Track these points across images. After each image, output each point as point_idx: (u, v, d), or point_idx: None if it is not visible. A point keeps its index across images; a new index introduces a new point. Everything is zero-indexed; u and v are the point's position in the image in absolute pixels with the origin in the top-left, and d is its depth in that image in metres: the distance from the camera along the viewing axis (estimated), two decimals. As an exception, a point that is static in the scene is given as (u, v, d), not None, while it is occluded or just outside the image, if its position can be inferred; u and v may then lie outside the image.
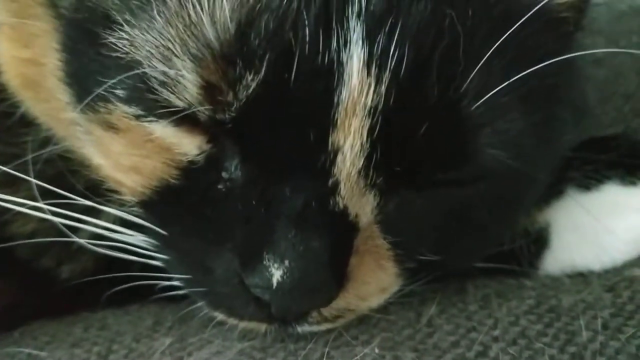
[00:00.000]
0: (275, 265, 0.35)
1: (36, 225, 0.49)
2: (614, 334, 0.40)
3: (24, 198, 0.47)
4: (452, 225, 0.40)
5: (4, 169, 0.46)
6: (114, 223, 0.45)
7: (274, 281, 0.35)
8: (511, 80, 0.36)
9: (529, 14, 0.36)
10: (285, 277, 0.35)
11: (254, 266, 0.36)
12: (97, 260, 0.49)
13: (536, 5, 0.38)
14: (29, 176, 0.46)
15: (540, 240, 0.47)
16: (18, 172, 0.46)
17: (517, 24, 0.36)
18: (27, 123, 0.48)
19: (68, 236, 0.46)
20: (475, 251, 0.43)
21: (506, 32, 0.36)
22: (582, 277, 0.47)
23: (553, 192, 0.48)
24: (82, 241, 0.46)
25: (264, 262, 0.35)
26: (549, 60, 0.37)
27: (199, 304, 0.43)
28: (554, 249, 0.47)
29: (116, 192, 0.43)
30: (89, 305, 0.51)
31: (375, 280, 0.39)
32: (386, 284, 0.41)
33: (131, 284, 0.46)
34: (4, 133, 0.49)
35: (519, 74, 0.36)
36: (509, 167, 0.38)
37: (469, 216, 0.40)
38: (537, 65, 0.37)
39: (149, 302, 0.49)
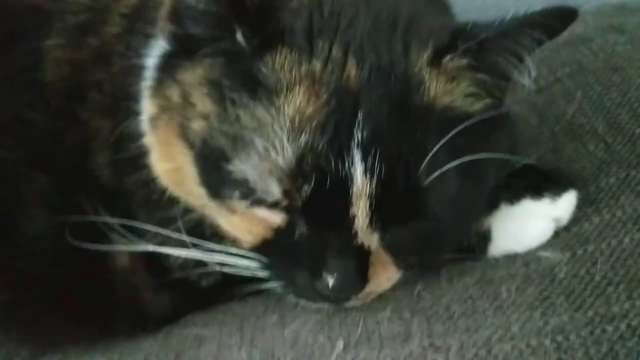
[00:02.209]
0: (329, 277, 0.57)
1: (185, 260, 0.68)
2: (521, 293, 0.59)
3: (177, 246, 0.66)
4: (425, 242, 0.61)
5: (163, 231, 0.65)
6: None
7: (330, 285, 0.57)
8: (450, 164, 0.55)
9: (458, 128, 0.55)
10: (335, 282, 0.57)
11: (318, 278, 0.57)
12: (223, 276, 0.68)
13: (462, 119, 0.56)
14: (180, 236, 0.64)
15: (485, 237, 0.67)
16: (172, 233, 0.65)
17: (451, 133, 0.54)
18: (174, 200, 0.66)
19: (205, 265, 0.66)
20: (442, 252, 0.65)
21: (443, 138, 0.54)
22: (510, 258, 0.65)
23: (492, 205, 0.66)
24: (214, 266, 0.65)
25: (323, 276, 0.57)
26: (474, 152, 0.55)
27: (290, 296, 0.64)
28: (494, 241, 0.66)
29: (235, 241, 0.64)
30: (221, 301, 0.71)
31: (384, 276, 0.61)
32: (391, 276, 0.62)
33: (247, 287, 0.67)
34: (159, 205, 0.68)
35: (455, 158, 0.55)
36: (452, 210, 0.59)
37: (435, 236, 0.61)
38: (468, 151, 0.55)
39: (258, 297, 0.69)
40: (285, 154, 0.55)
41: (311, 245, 0.59)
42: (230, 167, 0.57)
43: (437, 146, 0.55)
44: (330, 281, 0.58)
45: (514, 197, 0.66)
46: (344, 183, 0.56)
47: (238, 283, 0.68)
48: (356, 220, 0.58)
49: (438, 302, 0.63)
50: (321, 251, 0.59)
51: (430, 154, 0.55)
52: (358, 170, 0.56)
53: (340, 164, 0.56)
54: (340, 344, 0.61)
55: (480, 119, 0.58)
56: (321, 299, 0.62)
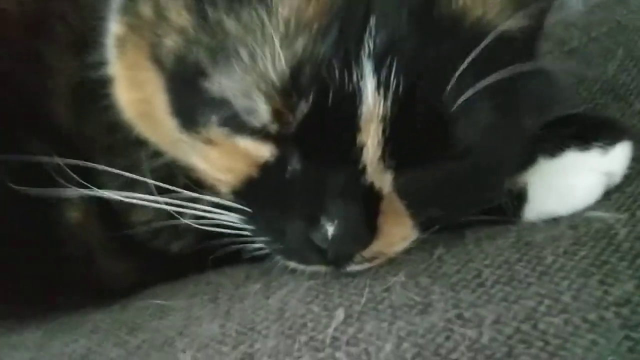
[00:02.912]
0: (329, 224, 0.48)
1: (151, 213, 0.61)
2: (571, 257, 0.49)
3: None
4: (449, 189, 0.51)
5: (127, 174, 0.58)
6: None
7: (329, 234, 0.48)
8: (479, 87, 0.46)
9: (490, 38, 0.47)
10: (336, 231, 0.48)
11: (315, 226, 0.49)
12: (197, 237, 0.62)
13: (495, 30, 0.48)
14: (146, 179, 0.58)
15: (520, 197, 0.57)
16: (137, 179, 0.59)
17: (481, 46, 0.46)
18: (141, 142, 0.60)
19: (176, 219, 0.57)
20: (468, 206, 0.55)
21: (472, 53, 0.46)
22: (552, 221, 0.55)
23: (529, 159, 0.57)
24: (188, 221, 0.56)
25: (321, 222, 0.48)
26: (507, 68, 0.47)
27: (277, 258, 0.54)
28: (531, 202, 0.57)
29: (212, 187, 0.56)
30: (194, 271, 0.63)
31: (398, 231, 0.52)
32: (406, 234, 0.53)
33: (225, 251, 0.58)
34: (123, 152, 0.61)
35: (485, 81, 0.46)
36: (486, 144, 0.49)
37: (461, 181, 0.51)
38: (498, 71, 0.47)
39: (239, 264, 0.60)
40: (277, 63, 0.46)
41: (306, 185, 0.50)
42: (208, 85, 0.49)
43: (467, 61, 0.46)
44: (330, 229, 0.49)
45: (556, 148, 0.57)
46: (351, 101, 0.47)
47: (214, 248, 0.59)
48: (365, 151, 0.48)
49: (465, 267, 0.52)
50: (319, 192, 0.49)
51: (459, 71, 0.46)
52: (369, 85, 0.46)
53: (346, 76, 0.46)
54: (339, 314, 0.50)
55: (516, 39, 0.51)
56: (317, 259, 0.52)
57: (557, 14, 0.74)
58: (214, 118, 0.50)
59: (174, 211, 0.57)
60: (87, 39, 0.61)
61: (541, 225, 0.56)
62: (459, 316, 0.48)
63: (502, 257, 0.52)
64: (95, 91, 0.60)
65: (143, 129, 0.59)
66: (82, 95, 0.62)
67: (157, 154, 0.60)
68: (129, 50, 0.56)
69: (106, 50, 0.59)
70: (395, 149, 0.48)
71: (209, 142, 0.52)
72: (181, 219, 0.57)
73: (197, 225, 0.57)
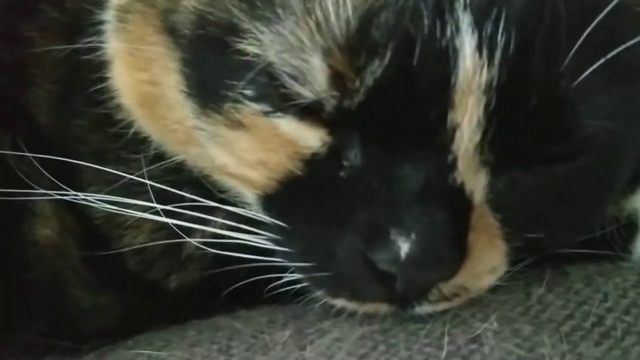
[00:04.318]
0: (403, 239, 0.36)
1: (147, 237, 0.50)
2: None
3: (138, 210, 0.48)
4: (555, 202, 0.41)
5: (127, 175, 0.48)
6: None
7: (402, 254, 0.36)
8: (603, 61, 0.37)
9: (613, 4, 0.38)
10: (412, 249, 0.36)
11: (381, 242, 0.37)
12: (204, 270, 0.50)
13: None
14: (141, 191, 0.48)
15: (630, 226, 0.48)
16: (131, 187, 0.48)
17: (605, 11, 0.37)
18: (138, 142, 0.50)
19: (180, 242, 0.47)
20: (575, 229, 0.44)
21: (596, 18, 0.37)
22: None
23: (638, 180, 0.48)
24: (196, 241, 0.46)
25: (391, 237, 0.37)
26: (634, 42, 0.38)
27: (318, 294, 0.42)
28: None
29: (234, 192, 0.45)
30: (195, 314, 0.50)
31: (488, 258, 0.40)
32: (497, 263, 0.41)
33: (241, 283, 0.46)
34: (116, 153, 0.52)
35: (608, 55, 0.37)
36: (606, 138, 0.39)
37: (570, 193, 0.41)
38: (623, 46, 0.38)
39: (257, 306, 0.48)
40: (341, 8, 0.37)
41: (370, 186, 0.39)
42: (243, 44, 0.40)
43: (592, 25, 0.37)
44: (404, 247, 0.37)
45: None
46: (442, 65, 0.37)
47: (226, 282, 0.47)
48: (458, 136, 0.37)
49: (578, 312, 0.41)
50: (388, 196, 0.38)
51: (583, 36, 0.37)
52: (467, 43, 0.36)
53: (438, 28, 0.36)
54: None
55: None
56: (378, 292, 0.40)
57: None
58: (248, 91, 0.40)
59: (178, 229, 0.46)
60: (81, 22, 0.53)
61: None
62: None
63: (627, 300, 0.42)
64: (86, 78, 0.52)
65: (146, 118, 0.50)
66: (70, 84, 0.54)
67: (159, 157, 0.50)
68: (134, 22, 0.48)
69: (104, 28, 0.51)
70: (499, 135, 0.38)
71: (238, 125, 0.42)
72: (187, 238, 0.47)
73: (207, 249, 0.46)
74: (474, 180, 0.38)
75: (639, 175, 0.48)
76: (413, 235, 0.36)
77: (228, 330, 0.46)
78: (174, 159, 0.49)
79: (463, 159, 0.37)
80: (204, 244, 0.46)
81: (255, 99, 0.40)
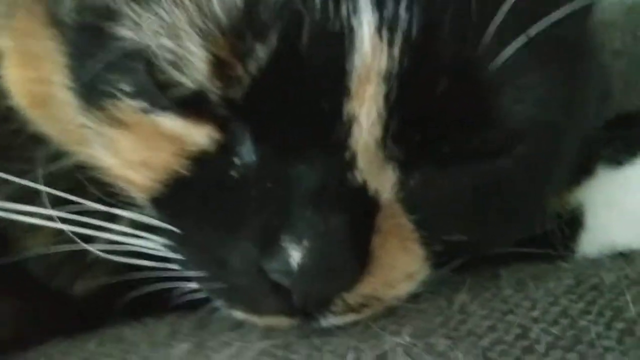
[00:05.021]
0: (294, 247, 0.33)
1: (49, 240, 0.46)
2: None
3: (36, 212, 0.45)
4: (482, 201, 0.37)
5: (19, 180, 0.44)
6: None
7: (294, 263, 0.32)
8: (527, 37, 0.33)
9: None
10: (305, 258, 0.32)
11: (272, 250, 0.33)
12: (111, 275, 0.46)
13: None
14: (38, 189, 0.45)
15: (574, 222, 0.44)
16: (30, 189, 0.45)
17: None
18: (36, 141, 0.47)
19: (81, 248, 0.43)
20: (506, 230, 0.40)
21: None
22: (623, 256, 0.43)
23: (582, 171, 0.45)
24: (96, 250, 0.42)
25: (282, 244, 0.33)
26: (562, 11, 0.34)
27: (217, 303, 0.39)
28: (591, 230, 0.44)
29: (127, 194, 0.40)
30: (103, 320, 0.47)
31: (401, 263, 0.36)
32: (413, 268, 0.37)
33: (147, 290, 0.42)
34: (14, 151, 0.48)
35: (532, 30, 0.33)
36: (540, 126, 0.36)
37: (500, 190, 0.37)
38: (551, 19, 0.34)
39: (166, 313, 0.45)
40: None
41: (262, 187, 0.35)
42: (119, 30, 0.36)
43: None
44: (296, 255, 0.33)
45: (621, 155, 0.45)
46: (337, 48, 0.32)
47: (134, 288, 0.44)
48: (356, 129, 0.33)
49: (501, 323, 0.37)
50: (280, 197, 0.34)
51: (504, 9, 0.33)
52: (366, 23, 0.32)
53: (331, 6, 0.32)
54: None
55: None
56: (275, 305, 0.36)
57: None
58: (126, 85, 0.37)
59: (77, 235, 0.42)
60: None
61: (606, 261, 0.43)
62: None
63: (557, 308, 0.38)
64: None
65: (38, 118, 0.46)
66: None
67: (58, 155, 0.46)
68: (20, 17, 0.45)
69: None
70: (404, 128, 0.33)
71: (119, 123, 0.38)
72: (86, 246, 0.42)
73: (105, 256, 0.42)
74: (379, 178, 0.34)
75: (584, 166, 0.45)
76: (305, 242, 0.32)
77: (128, 342, 0.43)
78: (74, 159, 0.45)
79: (363, 155, 0.33)
80: (105, 250, 0.42)
81: (133, 95, 0.36)
